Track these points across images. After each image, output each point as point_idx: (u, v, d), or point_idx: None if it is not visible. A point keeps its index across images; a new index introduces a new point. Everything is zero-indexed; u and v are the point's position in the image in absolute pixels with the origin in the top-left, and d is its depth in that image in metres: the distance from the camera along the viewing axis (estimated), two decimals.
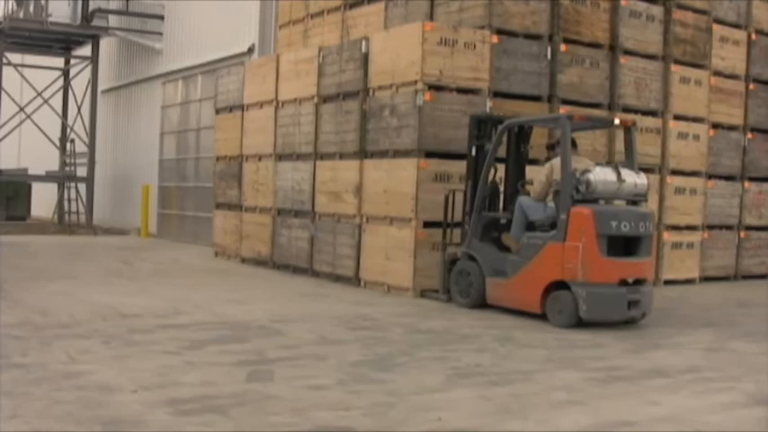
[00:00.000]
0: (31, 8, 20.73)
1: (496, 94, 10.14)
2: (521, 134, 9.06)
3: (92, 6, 20.64)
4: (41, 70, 23.23)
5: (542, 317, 7.99)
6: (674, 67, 11.97)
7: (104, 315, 7.68)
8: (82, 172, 21.37)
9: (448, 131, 9.73)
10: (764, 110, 13.22)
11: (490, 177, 8.85)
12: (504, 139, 8.90)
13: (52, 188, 22.88)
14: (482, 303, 8.66)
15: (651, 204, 10.18)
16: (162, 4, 19.91)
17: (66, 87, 22.95)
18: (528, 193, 8.61)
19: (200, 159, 17.68)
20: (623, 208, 8.08)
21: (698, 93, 12.26)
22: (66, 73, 23.16)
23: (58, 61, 23.48)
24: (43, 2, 20.37)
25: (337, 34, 12.61)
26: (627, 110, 11.34)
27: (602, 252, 7.65)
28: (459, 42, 9.81)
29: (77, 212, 20.60)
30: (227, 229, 13.86)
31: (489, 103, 9.97)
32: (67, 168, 21.53)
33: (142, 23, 20.72)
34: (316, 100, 11.55)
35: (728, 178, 12.77)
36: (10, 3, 20.87)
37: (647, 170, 9.96)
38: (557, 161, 8.19)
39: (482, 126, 9.04)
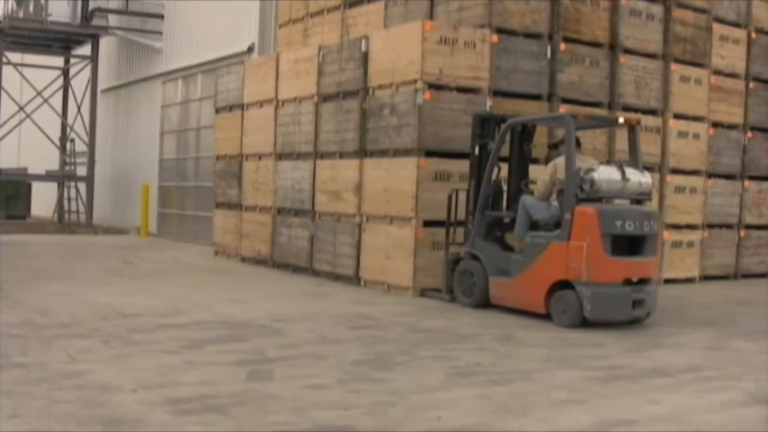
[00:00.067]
0: (31, 7, 20.74)
1: (496, 93, 10.13)
2: (524, 133, 9.05)
3: (91, 6, 20.66)
4: (41, 70, 23.24)
5: (542, 316, 7.98)
6: (674, 66, 11.97)
7: (104, 314, 7.68)
8: (82, 171, 21.38)
9: (448, 130, 9.72)
10: (764, 108, 13.22)
11: (493, 176, 8.83)
12: (508, 137, 8.89)
13: (52, 187, 22.88)
14: (485, 303, 8.62)
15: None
16: (162, 3, 19.90)
17: (65, 87, 22.95)
18: (531, 193, 8.59)
19: (200, 159, 17.68)
20: (628, 207, 8.03)
21: (698, 91, 12.26)
22: (65, 72, 23.17)
23: (58, 60, 23.49)
24: (43, 1, 20.38)
25: (337, 33, 12.61)
26: (627, 109, 11.34)
27: (606, 251, 7.60)
28: (459, 41, 9.81)
29: (77, 212, 20.60)
30: (227, 228, 13.86)
31: (489, 102, 9.97)
32: (67, 168, 21.54)
33: (142, 23, 20.73)
34: (315, 99, 11.55)
35: (728, 177, 12.77)
36: (10, 2, 20.87)
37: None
38: (561, 160, 8.15)
39: (485, 125, 9.01)
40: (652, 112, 11.76)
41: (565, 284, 7.78)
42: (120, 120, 22.23)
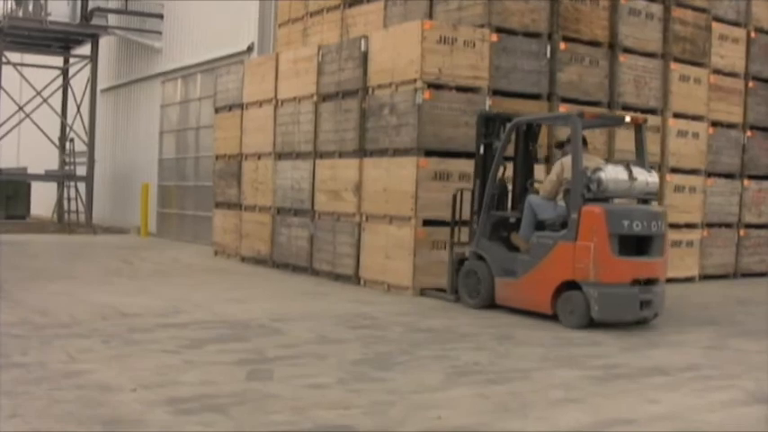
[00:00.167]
0: (31, 7, 20.72)
1: (496, 93, 10.13)
2: (529, 132, 9.02)
3: (91, 5, 20.66)
4: (41, 69, 23.23)
5: (543, 316, 7.98)
6: (673, 65, 11.97)
7: (104, 314, 7.68)
8: (81, 171, 21.36)
9: (447, 130, 9.72)
10: (764, 108, 13.23)
11: (498, 176, 8.80)
12: (513, 137, 8.88)
13: (52, 187, 22.87)
14: (491, 304, 8.55)
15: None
16: (161, 3, 19.89)
17: (65, 86, 22.94)
18: (537, 192, 8.56)
19: (199, 158, 17.68)
20: (635, 207, 7.99)
21: (697, 91, 12.27)
22: (65, 72, 23.15)
23: (58, 60, 23.48)
24: (42, 1, 20.38)
25: (336, 33, 12.62)
26: (626, 108, 11.34)
27: (613, 252, 7.54)
28: (459, 41, 9.81)
29: (77, 211, 20.58)
30: (226, 228, 13.86)
31: (489, 102, 9.97)
32: (67, 167, 21.52)
33: (141, 22, 20.73)
34: (315, 98, 11.55)
35: (728, 176, 12.78)
36: (9, 2, 20.85)
37: None
38: (567, 159, 8.11)
39: (490, 124, 8.97)
40: (651, 111, 11.75)
41: (572, 285, 7.72)
42: (119, 119, 22.22)
